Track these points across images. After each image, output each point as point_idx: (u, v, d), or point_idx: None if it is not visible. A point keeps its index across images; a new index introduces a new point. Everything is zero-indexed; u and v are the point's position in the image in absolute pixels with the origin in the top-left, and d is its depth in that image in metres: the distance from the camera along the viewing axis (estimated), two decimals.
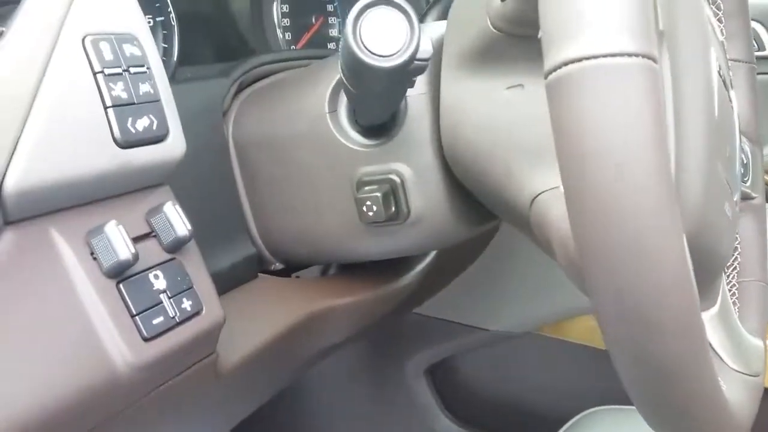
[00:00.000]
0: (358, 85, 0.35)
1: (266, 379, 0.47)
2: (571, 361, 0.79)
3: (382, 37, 0.30)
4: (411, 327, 0.83)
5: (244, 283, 0.43)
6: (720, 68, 0.42)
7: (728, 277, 0.53)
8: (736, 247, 0.55)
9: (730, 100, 0.45)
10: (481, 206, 0.44)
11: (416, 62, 0.31)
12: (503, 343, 0.82)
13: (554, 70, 0.26)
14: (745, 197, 0.56)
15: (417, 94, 0.42)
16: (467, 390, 0.88)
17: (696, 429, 0.33)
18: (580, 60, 0.25)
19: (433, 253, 0.57)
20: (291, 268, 0.49)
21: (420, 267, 0.54)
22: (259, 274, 0.45)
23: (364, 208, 0.41)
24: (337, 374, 0.89)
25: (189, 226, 0.32)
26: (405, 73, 0.32)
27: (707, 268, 0.42)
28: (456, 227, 0.43)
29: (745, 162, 0.55)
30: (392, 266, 0.54)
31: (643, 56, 0.25)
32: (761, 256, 0.54)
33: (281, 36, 0.64)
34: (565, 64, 0.26)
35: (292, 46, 0.64)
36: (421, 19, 0.59)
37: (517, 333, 0.81)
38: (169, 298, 0.31)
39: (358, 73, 0.33)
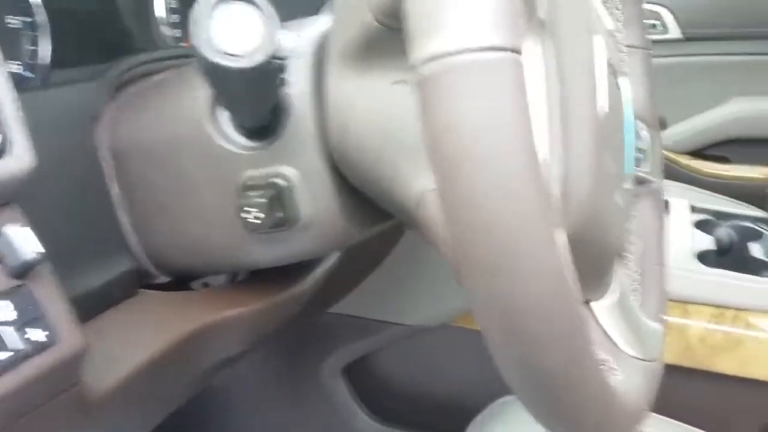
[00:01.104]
0: (218, 86, 0.33)
1: (149, 403, 0.45)
2: (486, 350, 0.78)
3: (234, 35, 0.28)
4: (325, 327, 0.81)
5: (122, 300, 0.40)
6: (609, 57, 0.42)
7: (631, 263, 0.53)
8: (639, 233, 0.55)
9: (618, 88, 0.45)
10: (374, 207, 0.42)
11: (275, 61, 0.29)
12: (420, 337, 0.82)
13: (417, 67, 0.25)
14: (644, 182, 0.56)
15: (301, 92, 0.40)
16: (385, 386, 0.87)
17: (589, 427, 0.32)
18: (440, 57, 0.24)
19: (336, 254, 0.55)
20: (181, 280, 0.46)
21: (323, 269, 0.52)
22: (140, 289, 0.42)
23: (249, 215, 0.39)
24: (250, 381, 0.86)
25: (39, 249, 0.29)
26: (264, 74, 0.30)
27: (599, 260, 0.41)
28: (349, 230, 0.41)
29: (642, 148, 0.55)
30: (297, 269, 0.52)
31: (507, 50, 0.24)
32: (660, 241, 0.55)
33: (169, 33, 0.61)
34: (427, 60, 0.24)
35: (181, 44, 0.61)
36: (319, 12, 0.56)
37: (433, 326, 0.80)
38: (17, 330, 0.28)
39: (212, 74, 0.30)
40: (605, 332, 0.43)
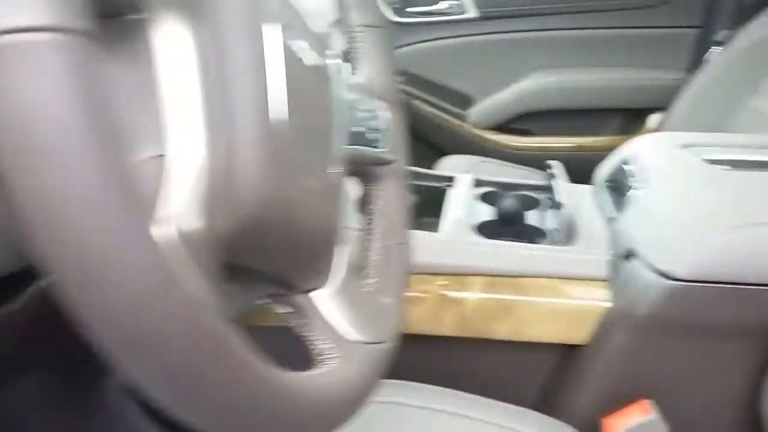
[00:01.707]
0: None
1: None
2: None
3: None
4: None
5: None
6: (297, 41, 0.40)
7: (370, 243, 0.53)
8: (382, 212, 0.55)
9: (322, 70, 0.44)
10: None
11: None
12: None
13: None
14: (385, 162, 0.56)
15: None
16: None
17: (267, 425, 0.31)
18: None
19: None
20: None
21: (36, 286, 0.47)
22: None
23: None
24: (28, 409, 0.78)
25: None
26: None
27: (309, 247, 0.40)
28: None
29: (379, 128, 0.54)
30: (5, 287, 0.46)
31: (52, 30, 0.21)
32: (402, 219, 0.55)
33: None
34: None
35: None
36: None
37: None
38: None
39: None
40: (326, 320, 0.42)
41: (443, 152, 1.68)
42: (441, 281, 0.78)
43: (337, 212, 0.42)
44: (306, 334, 0.42)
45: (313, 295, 0.42)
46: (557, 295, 0.77)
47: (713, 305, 0.69)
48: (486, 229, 0.87)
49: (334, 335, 0.42)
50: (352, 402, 0.40)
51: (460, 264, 0.78)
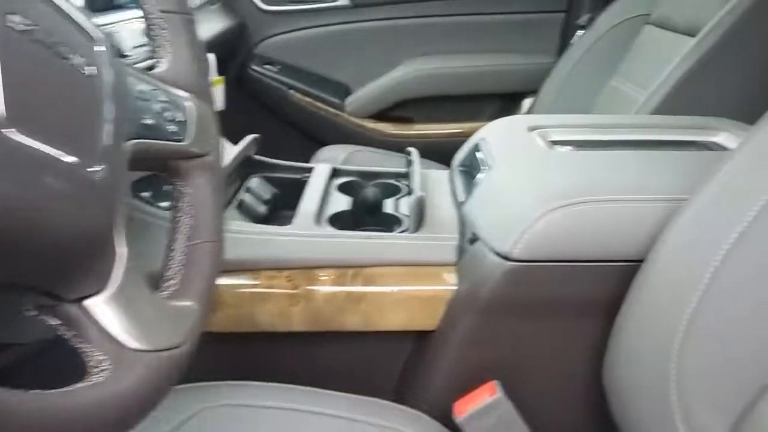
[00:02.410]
0: None
1: None
2: None
3: None
4: None
5: None
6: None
7: (174, 242, 0.50)
8: (190, 209, 0.52)
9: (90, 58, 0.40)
10: None
11: None
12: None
13: None
14: (193, 156, 0.53)
15: None
16: None
17: None
18: None
19: None
20: None
21: None
22: None
23: None
24: None
25: None
26: None
27: (63, 254, 0.36)
28: None
29: (179, 119, 0.51)
30: None
31: None
32: (214, 215, 0.52)
33: None
34: None
35: None
36: None
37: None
38: None
39: None
40: (103, 329, 0.39)
41: (323, 143, 1.66)
42: (289, 276, 0.76)
43: (105, 213, 0.39)
44: (80, 346, 0.38)
45: (87, 303, 0.39)
46: (407, 283, 0.76)
47: (551, 283, 0.70)
48: (340, 220, 0.85)
49: (111, 344, 0.39)
50: (130, 412, 0.37)
51: (308, 257, 0.76)
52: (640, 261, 0.66)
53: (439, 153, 1.73)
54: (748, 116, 1.07)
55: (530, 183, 0.74)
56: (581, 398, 0.75)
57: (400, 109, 1.79)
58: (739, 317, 0.56)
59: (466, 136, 1.75)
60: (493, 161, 0.82)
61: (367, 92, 1.75)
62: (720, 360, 0.57)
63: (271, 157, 1.82)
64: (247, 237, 0.77)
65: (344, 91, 1.77)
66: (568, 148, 0.88)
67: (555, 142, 0.89)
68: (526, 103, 1.75)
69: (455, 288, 0.75)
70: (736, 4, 1.08)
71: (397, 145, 1.76)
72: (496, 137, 0.90)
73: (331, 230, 0.81)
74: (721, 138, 0.91)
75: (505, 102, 1.80)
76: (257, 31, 1.73)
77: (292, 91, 1.75)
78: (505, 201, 0.74)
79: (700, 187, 0.63)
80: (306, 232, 0.78)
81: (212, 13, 1.59)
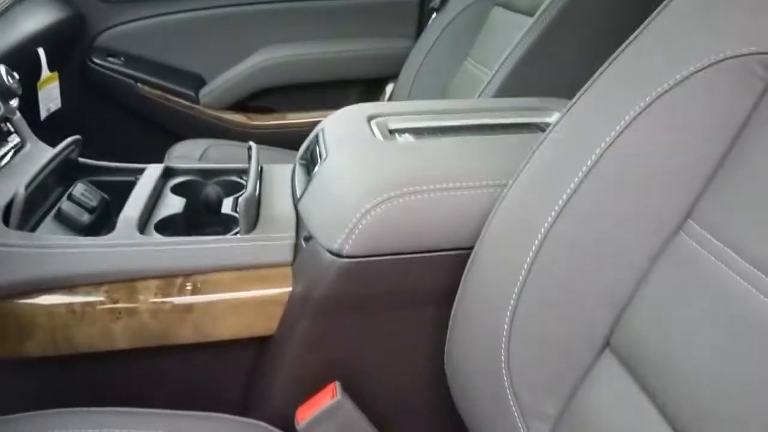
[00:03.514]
0: None
1: None
2: None
3: None
4: None
5: None
6: None
7: None
8: None
9: None
10: None
11: None
12: None
13: None
14: None
15: None
16: None
17: None
18: None
19: None
20: None
21: None
22: None
23: None
24: None
25: None
26: None
27: None
28: None
29: None
30: None
31: None
32: None
33: None
34: None
35: None
36: None
37: None
38: None
39: None
40: None
41: (179, 138, 1.58)
42: (109, 290, 0.70)
43: None
44: None
45: None
46: (240, 288, 0.72)
47: (385, 278, 0.68)
48: (170, 226, 0.79)
49: None
50: None
51: (129, 268, 0.70)
52: (471, 248, 0.66)
53: (300, 143, 1.68)
54: (575, 93, 1.11)
55: (359, 176, 0.72)
56: (426, 390, 0.75)
57: (258, 98, 1.73)
58: (555, 301, 0.56)
59: None
60: (327, 154, 0.79)
61: (222, 82, 1.67)
62: (544, 344, 0.57)
63: (122, 157, 1.71)
64: (59, 251, 0.70)
65: (198, 83, 1.68)
66: (406, 135, 0.86)
67: (393, 131, 0.87)
68: (389, 88, 1.74)
69: (290, 290, 0.71)
70: None
71: (258, 137, 1.70)
72: (334, 128, 0.88)
73: (156, 237, 0.75)
74: (553, 118, 0.92)
75: (368, 87, 1.78)
76: (97, 22, 1.61)
77: (140, 84, 1.64)
78: (336, 196, 0.72)
79: (519, 170, 0.63)
80: (126, 241, 0.72)
81: (43, 4, 1.46)
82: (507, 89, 1.12)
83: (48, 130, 1.47)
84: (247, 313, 0.71)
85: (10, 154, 0.84)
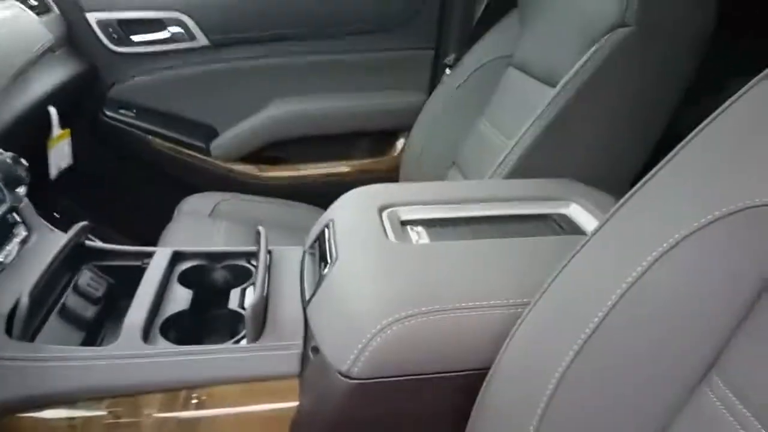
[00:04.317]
0: None
1: None
2: None
3: None
4: None
5: None
6: None
7: None
8: None
9: None
10: None
11: None
12: None
13: None
14: None
15: None
16: None
17: None
18: None
19: None
20: None
21: None
22: None
23: None
24: None
25: None
26: None
27: None
28: None
29: None
30: None
31: None
32: None
33: None
34: None
35: None
36: None
37: None
38: None
39: None
40: None
41: (190, 190, 1.57)
42: (111, 405, 0.68)
43: None
44: None
45: None
46: (245, 402, 0.70)
47: (395, 399, 0.66)
48: (174, 327, 0.77)
49: None
50: None
51: (132, 382, 0.69)
52: (486, 368, 0.63)
53: (312, 195, 1.67)
54: (596, 170, 1.09)
55: (371, 288, 0.69)
56: None
57: (270, 150, 1.71)
58: (582, 420, 0.53)
59: (340, 176, 1.73)
60: (337, 255, 0.77)
61: (234, 134, 1.66)
62: None
63: (133, 210, 1.71)
64: (61, 364, 0.68)
65: (209, 134, 1.67)
66: (419, 229, 0.84)
67: (405, 222, 0.85)
68: (400, 143, 1.73)
69: (297, 404, 0.69)
70: (590, 58, 1.08)
71: (269, 189, 1.68)
72: (345, 220, 0.85)
73: (160, 345, 0.73)
74: (570, 209, 0.90)
75: (379, 139, 1.77)
76: (110, 75, 1.61)
77: (151, 137, 1.63)
78: (346, 308, 0.69)
79: (540, 293, 0.60)
80: (129, 353, 0.70)
81: (55, 60, 1.46)
82: (523, 165, 1.09)
83: (58, 185, 1.47)
84: (254, 429, 0.69)
85: (16, 249, 0.83)
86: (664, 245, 0.51)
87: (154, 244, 1.38)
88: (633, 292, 0.52)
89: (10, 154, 0.88)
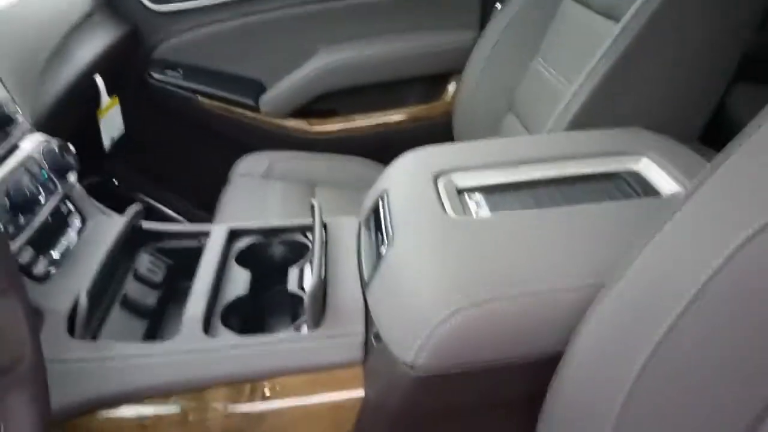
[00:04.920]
0: None
1: None
2: None
3: None
4: None
5: None
6: None
7: None
8: None
9: None
10: None
11: None
12: None
13: None
14: None
15: None
16: None
17: None
18: None
19: None
20: None
21: None
22: None
23: None
24: None
25: None
26: None
27: None
28: None
29: None
30: None
31: None
32: None
33: None
34: None
35: None
36: None
37: None
38: None
39: None
40: None
41: (242, 149, 1.55)
42: (178, 401, 0.68)
43: None
44: None
45: None
46: (311, 392, 0.69)
47: (461, 389, 0.64)
48: (235, 313, 0.77)
49: None
50: None
51: (197, 376, 0.68)
52: (555, 354, 0.60)
53: (364, 147, 1.63)
54: (666, 116, 1.00)
55: (432, 272, 0.66)
56: None
57: (319, 102, 1.67)
58: (668, 412, 0.50)
59: (392, 126, 1.67)
60: (394, 234, 0.73)
61: (282, 89, 1.62)
62: None
63: (185, 173, 1.70)
64: (125, 363, 0.69)
65: (258, 90, 1.63)
66: (477, 196, 0.80)
67: (462, 190, 0.81)
68: (451, 87, 1.65)
69: (363, 395, 0.68)
70: None
71: (320, 143, 1.65)
72: (399, 189, 0.82)
73: (222, 335, 0.72)
74: (641, 165, 0.83)
75: (430, 84, 1.69)
76: (152, 36, 1.58)
77: (200, 97, 1.61)
78: (407, 295, 0.66)
79: (619, 275, 0.56)
80: (191, 347, 0.70)
81: (95, 26, 1.43)
82: (586, 112, 1.02)
83: (113, 153, 1.47)
84: (319, 421, 0.68)
85: (74, 242, 0.83)
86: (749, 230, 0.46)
87: (212, 205, 1.38)
88: (731, 269, 0.47)
89: (56, 140, 0.87)
